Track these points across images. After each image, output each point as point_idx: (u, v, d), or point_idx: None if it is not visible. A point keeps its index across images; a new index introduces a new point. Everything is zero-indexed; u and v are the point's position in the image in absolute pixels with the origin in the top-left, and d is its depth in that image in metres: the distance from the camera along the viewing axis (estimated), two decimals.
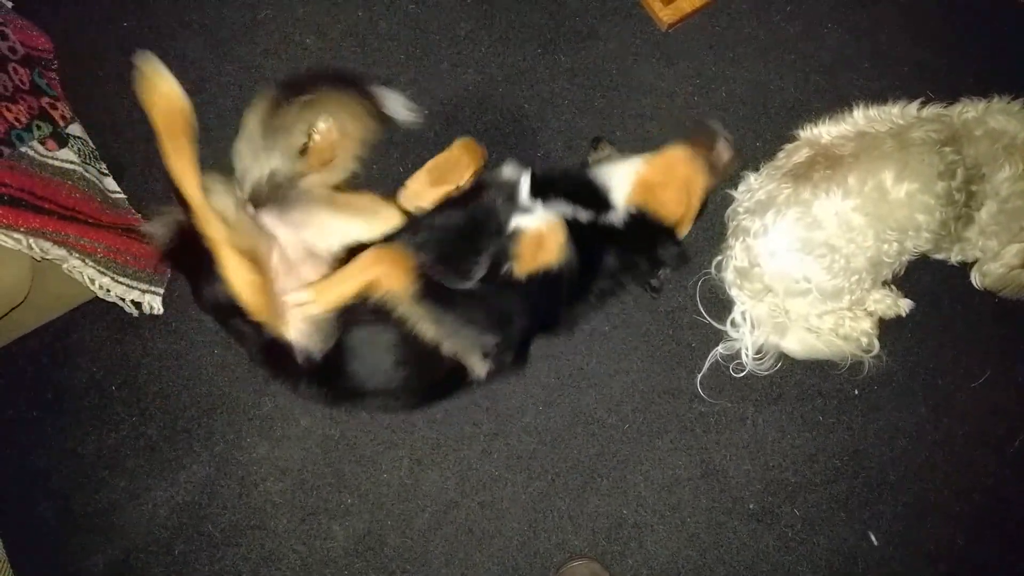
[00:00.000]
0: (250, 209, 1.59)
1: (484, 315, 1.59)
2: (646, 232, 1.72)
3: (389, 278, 1.50)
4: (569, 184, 1.70)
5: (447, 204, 1.71)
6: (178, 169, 1.44)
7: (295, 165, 1.65)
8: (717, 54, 2.14)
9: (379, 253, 1.53)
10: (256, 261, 1.48)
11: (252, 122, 1.59)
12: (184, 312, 1.88)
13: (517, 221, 1.60)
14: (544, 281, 1.60)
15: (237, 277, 1.45)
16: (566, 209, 1.63)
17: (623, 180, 1.69)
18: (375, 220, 1.68)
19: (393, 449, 1.86)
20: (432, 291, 1.52)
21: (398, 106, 1.76)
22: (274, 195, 1.62)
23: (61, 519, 1.79)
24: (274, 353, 1.53)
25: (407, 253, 1.54)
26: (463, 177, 1.76)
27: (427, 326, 1.53)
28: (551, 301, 1.67)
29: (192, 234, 1.46)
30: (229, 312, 1.49)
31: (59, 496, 1.80)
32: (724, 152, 1.75)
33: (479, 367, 1.62)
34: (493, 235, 1.60)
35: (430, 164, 1.77)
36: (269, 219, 1.60)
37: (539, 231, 1.59)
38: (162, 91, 1.45)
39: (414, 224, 1.67)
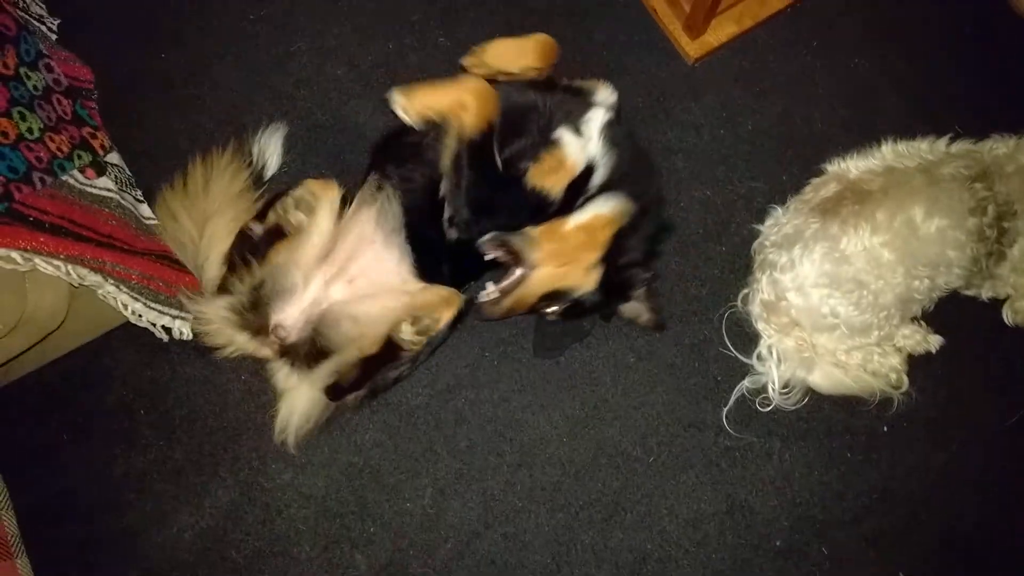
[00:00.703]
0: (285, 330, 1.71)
1: (476, 190, 1.63)
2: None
3: (471, 111, 1.57)
4: (627, 158, 1.71)
5: (530, 83, 1.74)
6: None
7: (246, 299, 1.71)
8: (744, 87, 2.15)
9: (477, 83, 1.62)
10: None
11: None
12: None
13: (562, 134, 1.64)
14: (537, 202, 1.65)
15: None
16: (602, 162, 1.67)
17: (605, 203, 1.68)
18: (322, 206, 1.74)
19: (416, 478, 1.85)
20: (479, 145, 1.59)
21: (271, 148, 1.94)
22: (260, 313, 1.70)
23: (87, 541, 1.80)
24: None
25: (496, 96, 1.61)
26: (522, 64, 1.76)
27: (450, 168, 1.62)
28: (529, 220, 1.68)
29: None
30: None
31: (86, 518, 1.81)
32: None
33: (450, 232, 1.69)
34: (537, 132, 1.64)
35: (502, 40, 1.77)
36: (299, 313, 1.71)
37: (566, 156, 1.62)
38: None
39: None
